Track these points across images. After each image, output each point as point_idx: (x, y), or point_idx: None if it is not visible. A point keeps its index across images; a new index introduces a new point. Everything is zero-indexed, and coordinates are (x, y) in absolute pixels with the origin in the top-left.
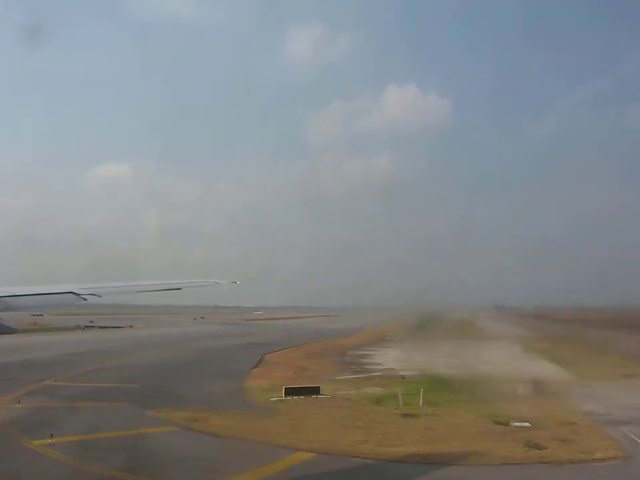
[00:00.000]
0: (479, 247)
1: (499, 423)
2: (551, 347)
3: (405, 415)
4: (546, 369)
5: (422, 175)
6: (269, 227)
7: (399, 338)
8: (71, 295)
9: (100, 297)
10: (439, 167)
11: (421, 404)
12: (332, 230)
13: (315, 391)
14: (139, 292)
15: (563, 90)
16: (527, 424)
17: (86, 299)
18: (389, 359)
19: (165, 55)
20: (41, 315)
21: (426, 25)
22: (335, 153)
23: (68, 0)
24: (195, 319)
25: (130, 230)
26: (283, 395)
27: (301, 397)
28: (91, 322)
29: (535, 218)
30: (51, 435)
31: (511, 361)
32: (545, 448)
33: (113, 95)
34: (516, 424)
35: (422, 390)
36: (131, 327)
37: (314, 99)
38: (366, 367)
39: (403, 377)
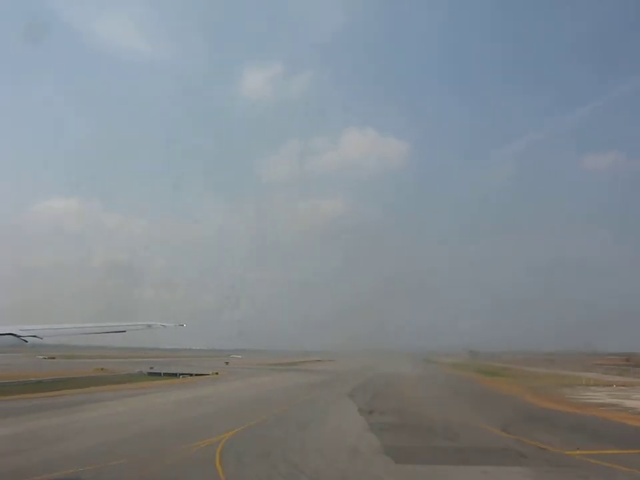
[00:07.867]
0: (433, 291)
1: None
2: None
3: None
4: None
5: (378, 217)
6: (217, 266)
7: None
8: (10, 336)
9: (41, 338)
10: (395, 210)
11: None
12: (283, 270)
13: None
14: (81, 334)
15: (522, 133)
16: None
17: (27, 341)
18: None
19: (116, 89)
20: (53, 358)
21: (387, 67)
22: (289, 192)
23: (17, 27)
24: (226, 363)
25: (74, 267)
26: None
27: None
28: (151, 368)
29: (487, 265)
30: None
31: None
32: None
33: (59, 128)
34: None
35: None
36: (217, 373)
37: (268, 138)
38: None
39: None
